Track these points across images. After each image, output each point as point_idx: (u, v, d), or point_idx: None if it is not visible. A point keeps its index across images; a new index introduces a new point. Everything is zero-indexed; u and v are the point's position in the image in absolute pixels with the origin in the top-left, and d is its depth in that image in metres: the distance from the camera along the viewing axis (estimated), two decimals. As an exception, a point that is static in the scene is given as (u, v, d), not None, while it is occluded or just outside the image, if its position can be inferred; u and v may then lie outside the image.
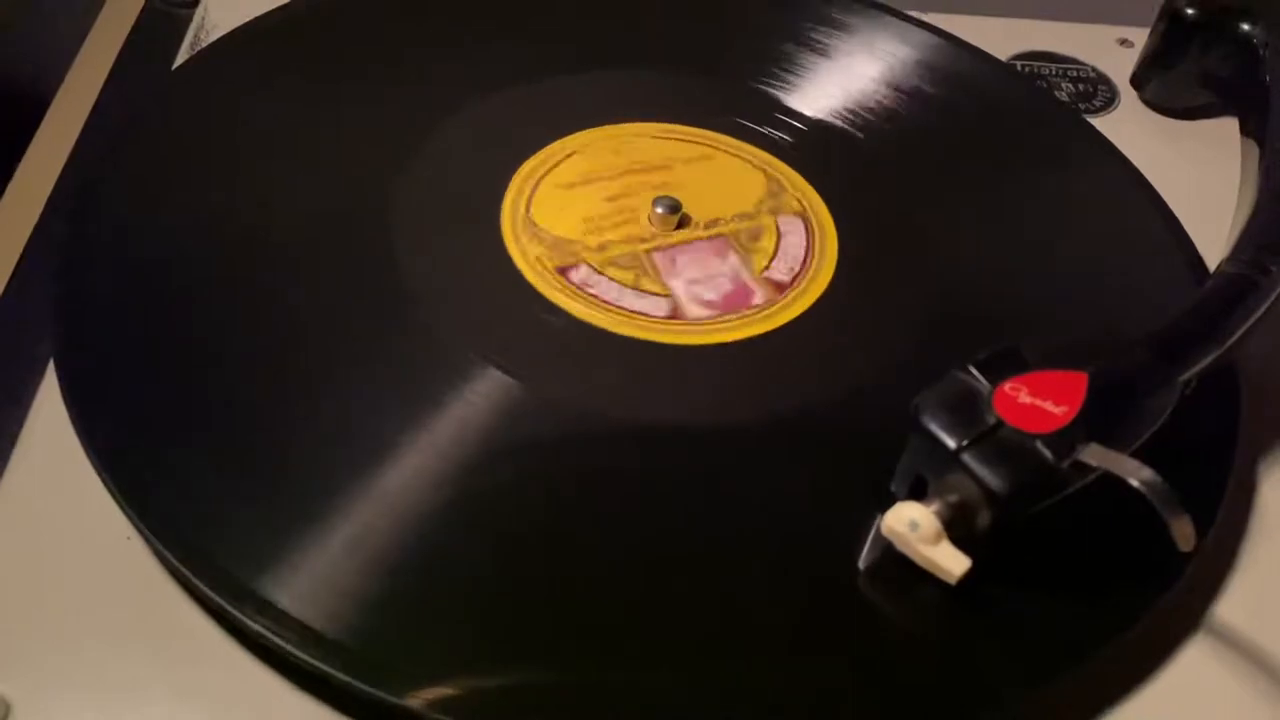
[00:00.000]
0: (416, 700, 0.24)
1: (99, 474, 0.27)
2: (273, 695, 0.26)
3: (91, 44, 0.43)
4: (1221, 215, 0.36)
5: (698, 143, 0.38)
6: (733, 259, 0.34)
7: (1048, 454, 0.25)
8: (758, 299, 0.33)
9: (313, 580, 0.26)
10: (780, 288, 0.34)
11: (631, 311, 0.33)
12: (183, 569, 0.26)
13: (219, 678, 0.26)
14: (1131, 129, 0.43)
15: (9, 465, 0.29)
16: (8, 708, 0.25)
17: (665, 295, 0.33)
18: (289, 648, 0.25)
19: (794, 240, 0.35)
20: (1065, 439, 0.25)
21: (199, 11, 0.43)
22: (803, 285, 0.34)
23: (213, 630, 0.27)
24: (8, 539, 0.28)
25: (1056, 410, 0.25)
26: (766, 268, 0.34)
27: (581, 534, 0.28)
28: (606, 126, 0.38)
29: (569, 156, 0.37)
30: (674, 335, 0.32)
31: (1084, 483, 0.25)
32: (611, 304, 0.33)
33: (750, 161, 0.38)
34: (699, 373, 0.32)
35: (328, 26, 0.40)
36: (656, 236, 0.35)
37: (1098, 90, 0.45)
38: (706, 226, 0.35)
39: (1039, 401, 0.26)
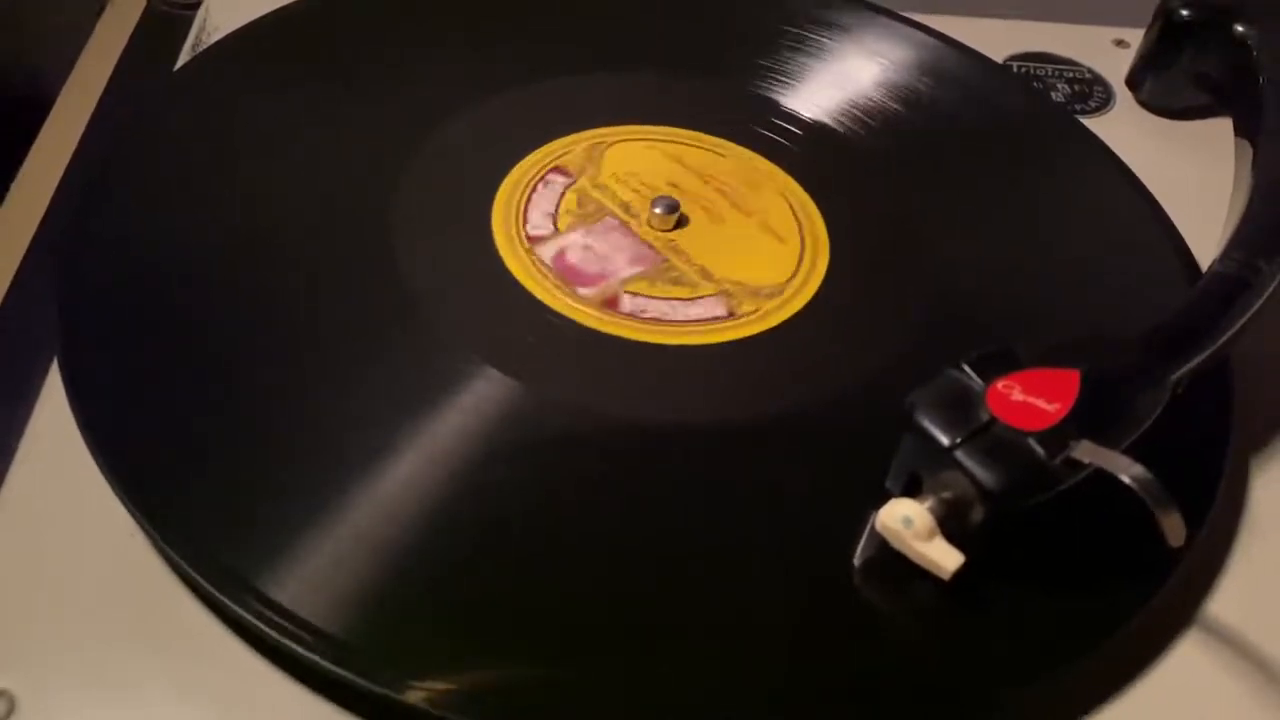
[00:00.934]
0: (416, 695, 0.25)
1: (102, 471, 0.28)
2: (275, 691, 0.26)
3: (93, 46, 0.43)
4: (1216, 215, 0.36)
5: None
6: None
7: (1040, 451, 0.25)
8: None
9: (314, 577, 0.26)
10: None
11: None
12: (185, 565, 0.26)
13: (221, 674, 0.26)
14: (1127, 130, 0.43)
15: (14, 462, 0.29)
16: (12, 703, 0.25)
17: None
18: (290, 644, 0.25)
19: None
20: (1057, 436, 0.25)
21: (200, 13, 0.43)
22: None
23: (215, 627, 0.27)
24: (12, 536, 0.28)
25: (1049, 408, 0.26)
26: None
27: (578, 531, 0.28)
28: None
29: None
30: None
31: (1076, 479, 0.25)
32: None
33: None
34: (690, 373, 0.32)
35: (327, 28, 0.41)
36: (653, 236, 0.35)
37: (1093, 91, 0.45)
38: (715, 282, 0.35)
39: (1032, 399, 0.26)
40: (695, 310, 0.33)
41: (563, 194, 0.36)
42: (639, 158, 0.38)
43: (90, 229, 0.33)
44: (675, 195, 0.36)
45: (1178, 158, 0.42)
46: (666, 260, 0.34)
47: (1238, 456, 0.33)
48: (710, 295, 0.34)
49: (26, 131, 0.39)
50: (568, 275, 0.33)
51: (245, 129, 0.37)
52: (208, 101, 0.37)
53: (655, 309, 0.33)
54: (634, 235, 0.35)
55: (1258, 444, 0.34)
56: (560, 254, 0.34)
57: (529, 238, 0.34)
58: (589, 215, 0.35)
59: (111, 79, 0.41)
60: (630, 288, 0.33)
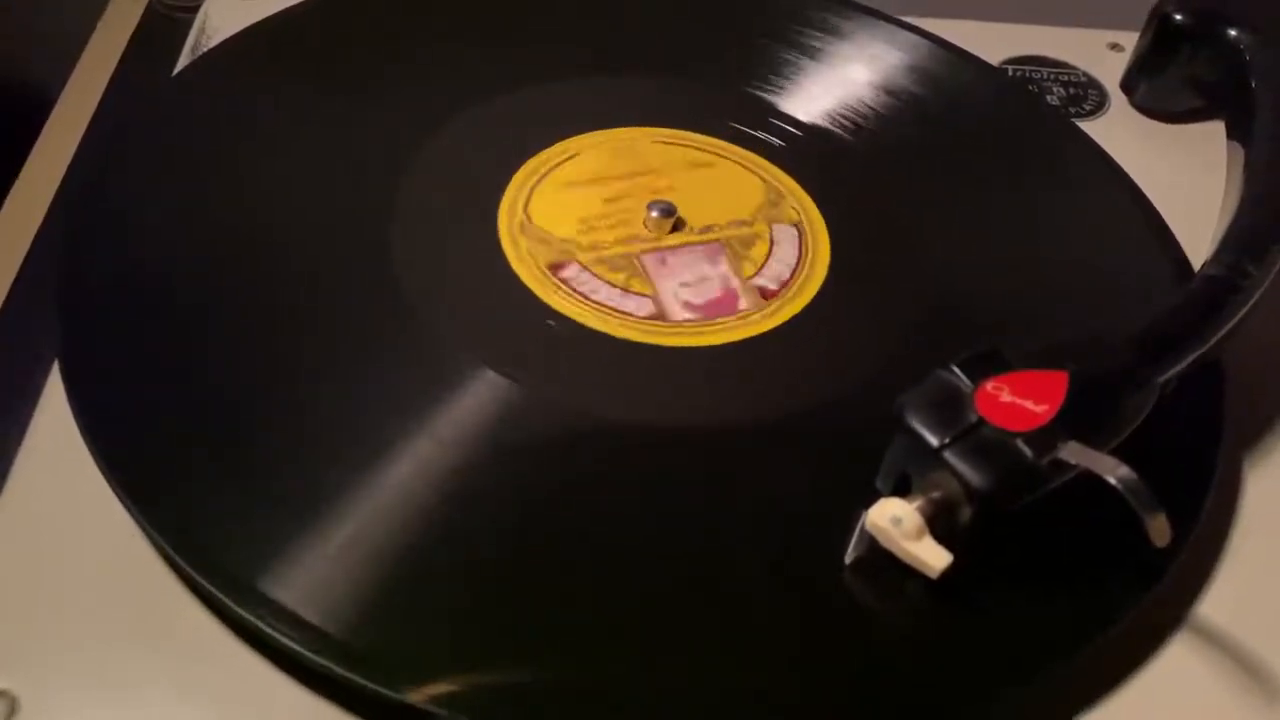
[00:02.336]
0: (416, 695, 0.25)
1: (103, 472, 0.28)
2: (274, 691, 0.26)
3: (94, 47, 0.43)
4: (1209, 218, 0.36)
5: (698, 148, 0.39)
6: (723, 265, 0.35)
7: (1027, 451, 0.25)
8: (744, 305, 0.34)
9: (314, 577, 0.26)
10: (767, 295, 0.34)
11: (617, 310, 0.33)
12: (186, 566, 0.26)
13: (221, 674, 0.27)
14: (1121, 133, 0.43)
15: (15, 465, 0.30)
16: (14, 703, 0.25)
17: (650, 296, 0.34)
18: (290, 644, 0.25)
19: (786, 249, 0.36)
20: (1045, 437, 0.25)
21: (200, 15, 0.44)
22: (791, 293, 0.34)
23: (216, 627, 0.27)
24: (13, 538, 0.28)
25: (1037, 409, 0.26)
26: (754, 275, 0.35)
27: (577, 532, 0.28)
28: (608, 130, 0.39)
29: (570, 158, 0.37)
30: (656, 336, 0.33)
31: (1064, 480, 0.26)
32: (599, 302, 0.33)
33: (750, 169, 0.38)
34: (680, 374, 0.32)
35: (328, 31, 0.41)
36: (650, 239, 0.35)
37: (1088, 94, 0.45)
38: (701, 231, 0.36)
39: (1020, 400, 0.26)
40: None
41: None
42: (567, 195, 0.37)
43: (91, 231, 0.33)
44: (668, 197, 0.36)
45: (1172, 161, 0.42)
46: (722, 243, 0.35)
47: (1230, 456, 0.33)
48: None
49: (27, 133, 0.39)
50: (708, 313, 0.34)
51: (246, 131, 0.37)
52: (209, 104, 0.38)
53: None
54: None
55: (1250, 444, 0.34)
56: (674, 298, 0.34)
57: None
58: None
59: (112, 80, 0.41)
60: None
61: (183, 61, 0.41)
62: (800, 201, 0.37)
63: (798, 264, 0.35)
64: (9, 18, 0.45)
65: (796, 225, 0.36)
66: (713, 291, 0.34)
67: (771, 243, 0.36)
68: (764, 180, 0.38)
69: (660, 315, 0.33)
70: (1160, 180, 0.39)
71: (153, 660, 0.27)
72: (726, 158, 0.38)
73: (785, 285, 0.34)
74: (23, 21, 0.45)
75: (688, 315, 0.33)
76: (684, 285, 0.34)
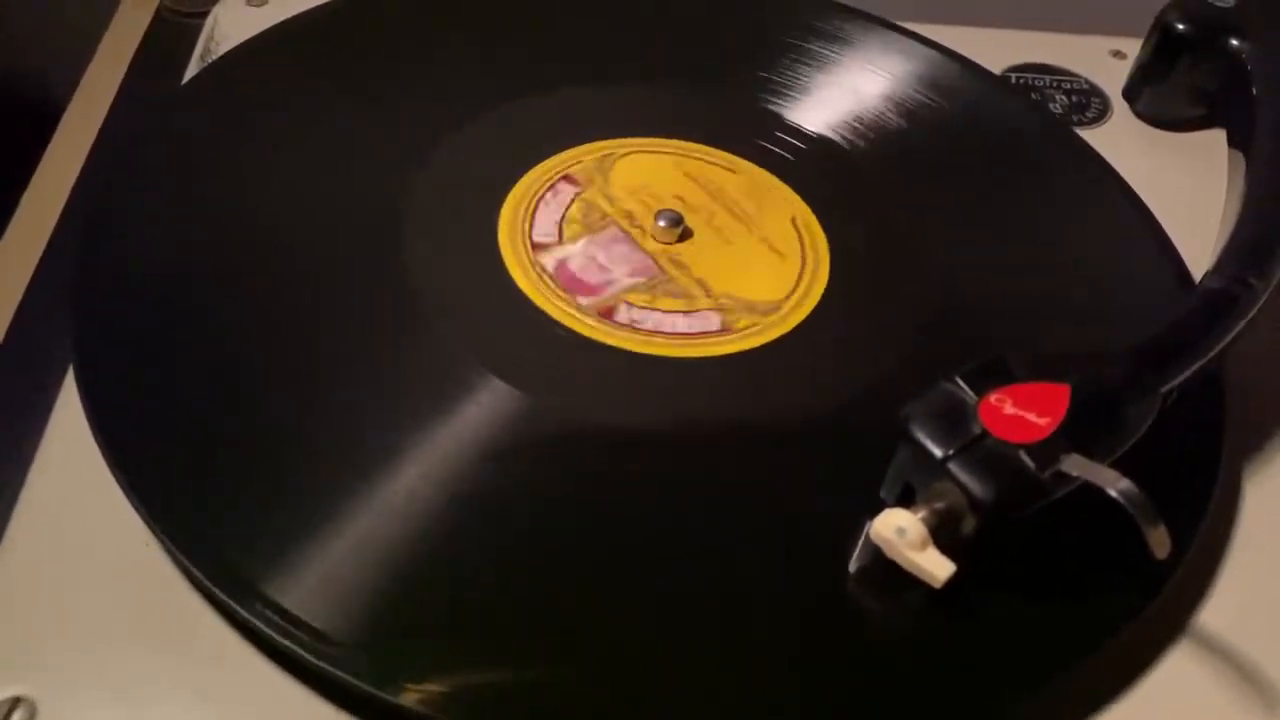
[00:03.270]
0: (419, 699, 0.25)
1: (117, 481, 0.28)
2: (285, 696, 0.27)
3: (103, 53, 0.43)
4: (1210, 226, 0.36)
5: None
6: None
7: (1030, 464, 0.26)
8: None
9: (322, 584, 0.27)
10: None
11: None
12: (198, 573, 0.27)
13: (231, 678, 0.27)
14: (1123, 141, 0.43)
15: (30, 473, 0.30)
16: (33, 709, 0.26)
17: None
18: (298, 649, 0.26)
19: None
20: (1047, 449, 0.26)
21: (209, 21, 0.44)
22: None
23: (227, 632, 0.27)
24: (31, 546, 0.29)
25: (1040, 421, 0.26)
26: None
27: (577, 537, 0.29)
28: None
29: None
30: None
31: (1066, 491, 0.26)
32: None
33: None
34: (682, 385, 0.32)
35: (336, 36, 0.41)
36: (659, 250, 0.36)
37: (1091, 102, 0.45)
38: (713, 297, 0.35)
39: (1023, 413, 0.26)
40: (689, 323, 0.34)
41: (570, 203, 0.36)
42: (648, 170, 0.38)
43: (103, 238, 0.34)
44: (680, 208, 0.36)
45: (1173, 170, 0.42)
46: (666, 273, 0.35)
47: (1230, 467, 0.33)
48: (706, 309, 0.34)
49: (38, 139, 0.39)
50: (569, 284, 0.34)
51: (255, 139, 0.37)
52: (218, 112, 0.38)
53: (652, 320, 0.33)
54: (637, 247, 0.35)
55: (1250, 454, 0.34)
56: (563, 263, 0.35)
57: (533, 244, 0.35)
58: (594, 226, 0.36)
59: (121, 86, 0.42)
60: (628, 298, 0.34)
61: (192, 67, 0.42)
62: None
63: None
64: (18, 23, 0.45)
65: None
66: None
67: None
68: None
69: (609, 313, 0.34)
70: (1163, 188, 0.39)
71: (169, 665, 0.27)
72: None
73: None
74: (32, 27, 0.46)
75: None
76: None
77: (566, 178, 0.37)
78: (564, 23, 0.43)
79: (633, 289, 0.34)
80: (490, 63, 0.41)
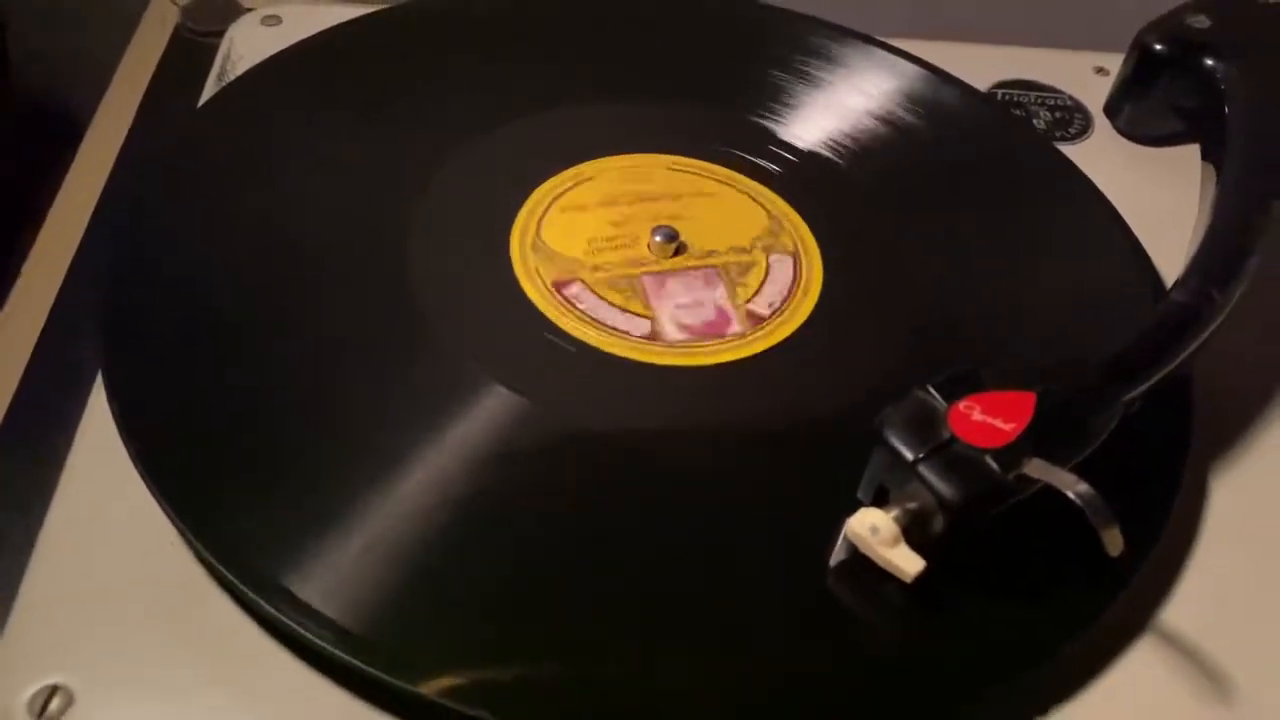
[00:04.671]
0: (439, 690, 0.27)
1: (145, 482, 0.29)
2: (306, 686, 0.28)
3: (123, 72, 0.44)
4: (1185, 239, 0.37)
5: (707, 176, 0.40)
6: (720, 289, 0.36)
7: (995, 467, 0.27)
8: (735, 328, 0.35)
9: (340, 580, 0.28)
10: (757, 320, 0.36)
11: (613, 329, 0.35)
12: (221, 569, 0.28)
13: (254, 670, 0.28)
14: (1105, 157, 0.44)
15: (63, 473, 0.31)
16: (70, 697, 0.27)
17: (647, 317, 0.35)
18: (320, 643, 0.27)
19: (780, 276, 0.37)
20: (1011, 453, 0.27)
21: (225, 41, 0.45)
22: (781, 318, 0.36)
23: (250, 626, 0.29)
24: (66, 544, 0.30)
25: (1005, 427, 0.28)
26: (749, 300, 0.36)
27: (584, 537, 0.30)
28: (621, 156, 0.40)
29: (583, 182, 0.39)
30: (650, 355, 0.34)
31: (1030, 493, 0.27)
32: (598, 321, 0.35)
33: (755, 199, 0.40)
34: (672, 392, 0.34)
35: (351, 55, 0.42)
36: (652, 261, 0.37)
37: (1074, 118, 0.46)
38: (701, 256, 0.37)
39: (990, 419, 0.28)
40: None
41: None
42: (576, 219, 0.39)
43: (129, 250, 0.35)
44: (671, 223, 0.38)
45: (1153, 185, 0.43)
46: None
47: (1197, 465, 0.34)
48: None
49: (63, 156, 0.40)
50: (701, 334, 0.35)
51: (272, 155, 0.38)
52: (237, 130, 0.39)
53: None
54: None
55: (1217, 454, 0.35)
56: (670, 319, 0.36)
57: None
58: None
59: (142, 105, 0.43)
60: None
61: (209, 85, 0.43)
62: (797, 228, 0.39)
63: (791, 290, 0.37)
64: (41, 45, 0.46)
65: (793, 254, 0.38)
66: (708, 314, 0.36)
67: (768, 270, 0.37)
68: (766, 210, 0.39)
69: (656, 335, 0.35)
70: (1141, 202, 0.40)
71: (193, 657, 0.28)
72: (733, 186, 0.40)
73: (776, 311, 0.36)
74: (54, 49, 0.47)
75: (682, 335, 0.35)
76: (680, 307, 0.36)
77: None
78: (569, 42, 0.44)
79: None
80: (505, 78, 0.42)
